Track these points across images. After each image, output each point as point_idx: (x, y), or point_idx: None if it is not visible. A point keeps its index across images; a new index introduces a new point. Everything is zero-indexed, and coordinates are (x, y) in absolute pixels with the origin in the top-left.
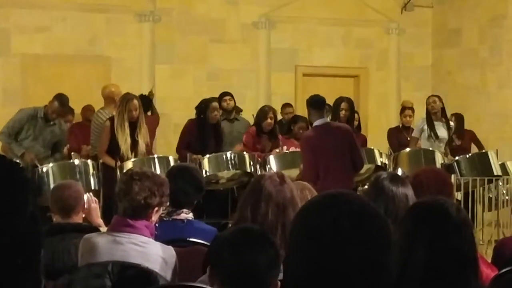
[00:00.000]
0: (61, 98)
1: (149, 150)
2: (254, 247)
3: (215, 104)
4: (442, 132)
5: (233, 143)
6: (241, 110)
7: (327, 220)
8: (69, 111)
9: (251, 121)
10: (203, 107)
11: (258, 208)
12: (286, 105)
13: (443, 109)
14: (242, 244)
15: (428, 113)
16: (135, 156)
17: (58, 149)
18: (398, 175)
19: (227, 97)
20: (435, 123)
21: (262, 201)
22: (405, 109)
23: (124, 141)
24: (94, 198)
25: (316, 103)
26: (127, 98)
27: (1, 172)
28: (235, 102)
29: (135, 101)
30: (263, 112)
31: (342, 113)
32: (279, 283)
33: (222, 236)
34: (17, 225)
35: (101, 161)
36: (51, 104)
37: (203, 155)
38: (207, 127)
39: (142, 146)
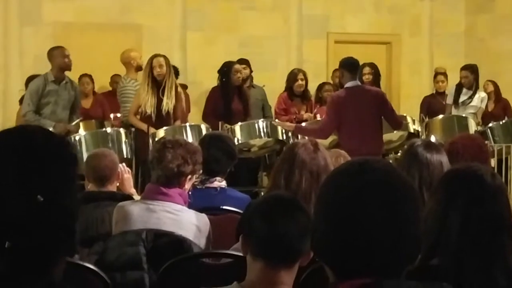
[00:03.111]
0: (57, 50)
1: (184, 117)
2: (286, 215)
3: (238, 66)
4: (473, 101)
5: (252, 110)
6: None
7: (353, 189)
8: (85, 76)
9: None
10: (226, 70)
11: (292, 176)
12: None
13: (475, 79)
14: (273, 212)
15: (460, 84)
16: (157, 116)
17: (75, 110)
18: (432, 142)
19: (243, 66)
20: (467, 92)
21: (296, 169)
22: (438, 74)
23: (146, 97)
24: (127, 169)
25: (349, 65)
26: (152, 56)
27: (51, 148)
28: (250, 70)
29: (160, 58)
30: (293, 75)
31: (365, 77)
32: (311, 255)
33: (254, 204)
34: (67, 202)
35: (133, 129)
36: (54, 63)
37: (229, 119)
38: (231, 90)
39: (167, 104)
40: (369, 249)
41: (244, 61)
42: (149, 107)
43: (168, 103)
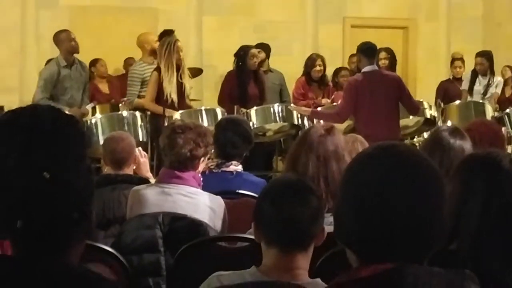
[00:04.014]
0: (63, 33)
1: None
2: (295, 199)
3: (254, 51)
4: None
5: (268, 95)
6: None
7: (378, 172)
8: (98, 60)
9: None
10: (242, 54)
11: (299, 158)
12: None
13: (490, 66)
14: (282, 196)
15: (475, 70)
16: (179, 101)
17: (85, 91)
18: (458, 128)
19: (258, 50)
20: (481, 79)
21: (303, 151)
22: (455, 60)
23: (169, 83)
24: (143, 153)
25: (367, 49)
26: (173, 39)
27: (59, 126)
28: (266, 55)
29: (180, 44)
30: (311, 60)
31: (381, 62)
32: (325, 233)
33: (263, 189)
34: (75, 180)
35: (148, 112)
36: (61, 47)
37: (245, 103)
38: (247, 74)
39: (187, 88)
40: (394, 234)
41: (261, 46)
42: (174, 94)
43: (186, 86)
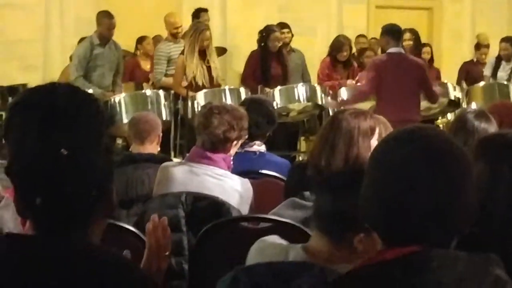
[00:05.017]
0: (105, 13)
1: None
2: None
3: (276, 34)
4: None
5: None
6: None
7: (404, 156)
8: (145, 38)
9: None
10: (264, 36)
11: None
12: (360, 36)
13: None
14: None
15: (499, 56)
16: (210, 82)
17: (118, 72)
18: (484, 111)
19: (285, 30)
20: (505, 64)
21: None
22: (482, 47)
23: (196, 68)
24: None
25: (392, 31)
26: (200, 28)
27: (76, 104)
28: (292, 35)
29: (208, 33)
30: (339, 43)
31: (406, 43)
32: None
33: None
34: (93, 157)
35: (172, 91)
36: (101, 24)
37: (268, 83)
38: (269, 55)
39: (215, 70)
40: (419, 218)
41: (286, 26)
42: (200, 78)
43: (216, 68)
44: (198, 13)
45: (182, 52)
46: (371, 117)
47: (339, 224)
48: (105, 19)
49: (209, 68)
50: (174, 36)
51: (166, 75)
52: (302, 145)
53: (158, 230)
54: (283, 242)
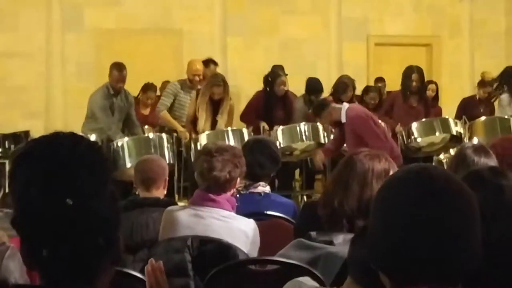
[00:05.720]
0: (116, 65)
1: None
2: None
3: (283, 78)
4: None
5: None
6: None
7: (410, 198)
8: (151, 88)
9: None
10: (270, 80)
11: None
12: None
13: None
14: None
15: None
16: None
17: (129, 121)
18: (483, 146)
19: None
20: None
21: (344, 174)
22: (486, 84)
23: (204, 119)
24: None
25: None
26: (213, 82)
27: (78, 153)
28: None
29: (219, 89)
30: (344, 85)
31: (413, 84)
32: None
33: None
34: (98, 205)
35: (175, 134)
36: (110, 76)
37: (270, 124)
38: (273, 100)
39: (220, 125)
40: (426, 259)
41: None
42: (207, 127)
43: (221, 124)
44: (208, 63)
45: (197, 91)
46: (385, 159)
47: (373, 276)
48: (114, 71)
49: (215, 122)
50: (191, 82)
51: (169, 112)
52: (317, 185)
53: (156, 272)
54: (316, 284)
